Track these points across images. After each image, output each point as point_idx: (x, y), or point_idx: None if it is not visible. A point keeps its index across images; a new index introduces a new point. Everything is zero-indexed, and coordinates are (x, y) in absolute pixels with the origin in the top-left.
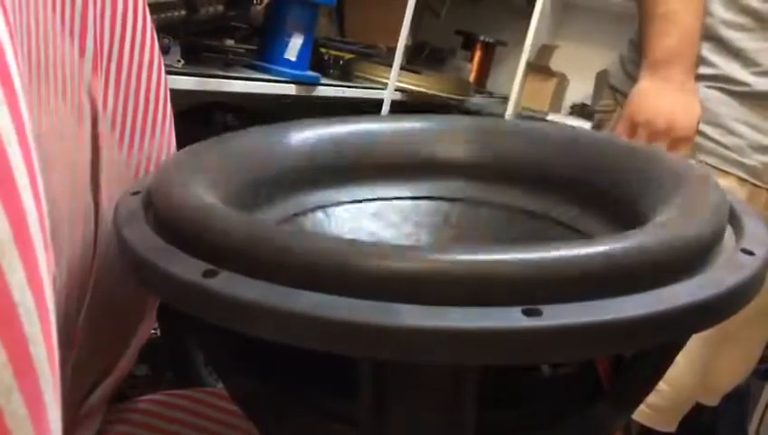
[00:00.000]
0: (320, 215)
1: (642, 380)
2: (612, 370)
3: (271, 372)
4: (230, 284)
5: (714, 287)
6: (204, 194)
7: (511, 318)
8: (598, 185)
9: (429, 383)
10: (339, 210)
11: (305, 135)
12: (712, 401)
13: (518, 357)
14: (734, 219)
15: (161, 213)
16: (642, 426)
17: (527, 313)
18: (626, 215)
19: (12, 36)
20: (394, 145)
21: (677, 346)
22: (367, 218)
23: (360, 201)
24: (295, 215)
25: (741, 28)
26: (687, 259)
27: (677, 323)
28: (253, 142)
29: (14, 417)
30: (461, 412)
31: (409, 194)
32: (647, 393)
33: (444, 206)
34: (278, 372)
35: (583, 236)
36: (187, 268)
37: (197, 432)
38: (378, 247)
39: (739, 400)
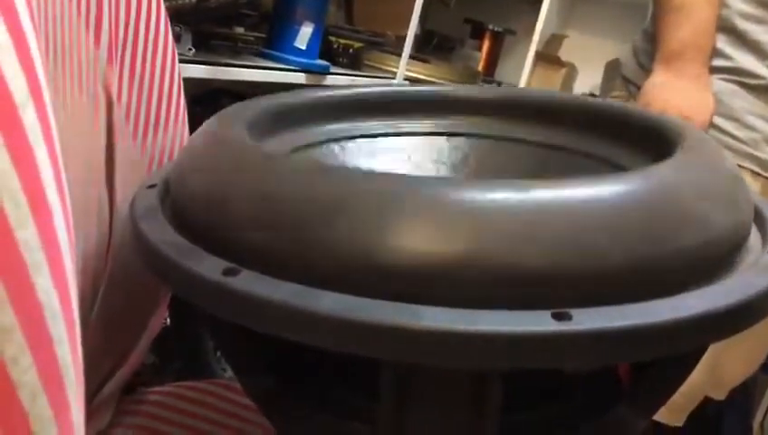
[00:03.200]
0: (334, 147)
1: (665, 384)
2: (633, 370)
3: (288, 369)
4: (251, 283)
5: (745, 291)
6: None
7: (540, 322)
8: (624, 119)
9: (452, 385)
10: (354, 144)
11: (324, 89)
12: (720, 394)
13: (546, 362)
14: (759, 219)
15: (179, 208)
16: (651, 420)
17: (557, 317)
18: (654, 144)
19: (37, 32)
20: (414, 88)
21: (703, 349)
22: (383, 154)
23: (377, 135)
24: (308, 146)
25: (758, 20)
26: (715, 262)
27: (709, 327)
28: (267, 99)
29: (40, 420)
30: (483, 415)
31: (428, 130)
32: (668, 397)
33: (464, 142)
34: (295, 369)
35: (614, 167)
36: (207, 266)
37: (209, 424)
38: (401, 250)
39: (745, 393)
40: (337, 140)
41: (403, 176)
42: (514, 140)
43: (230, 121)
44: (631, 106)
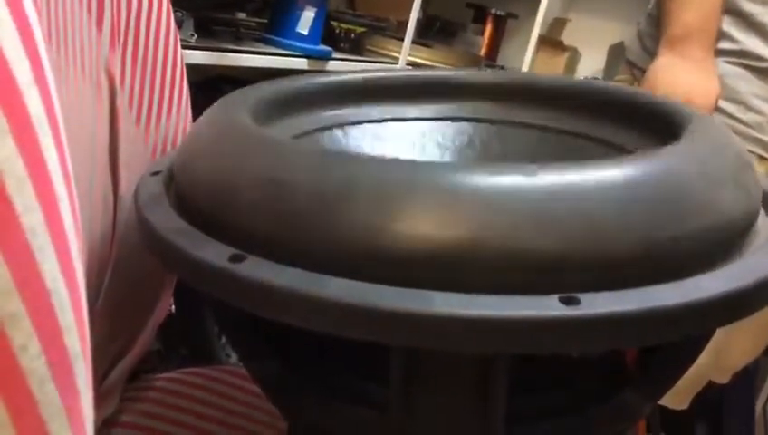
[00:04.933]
0: (337, 133)
1: (672, 368)
2: (639, 355)
3: (296, 355)
4: (258, 269)
5: (752, 275)
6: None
7: (548, 307)
8: (630, 103)
9: (460, 370)
10: (357, 129)
11: (326, 75)
12: (723, 378)
13: (555, 346)
14: (766, 202)
15: (184, 195)
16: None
17: (565, 301)
18: (661, 128)
19: (40, 18)
20: (418, 73)
21: (710, 333)
22: (386, 139)
23: (380, 120)
24: (312, 131)
25: (763, 2)
26: (723, 245)
27: (718, 311)
28: (269, 84)
29: (49, 407)
30: (491, 398)
31: (431, 114)
32: (675, 381)
33: (468, 126)
34: (302, 355)
35: (620, 150)
36: (213, 253)
37: (215, 410)
38: (408, 235)
39: (748, 376)
40: (341, 125)
41: (409, 161)
42: (519, 124)
43: (233, 107)
44: (637, 89)
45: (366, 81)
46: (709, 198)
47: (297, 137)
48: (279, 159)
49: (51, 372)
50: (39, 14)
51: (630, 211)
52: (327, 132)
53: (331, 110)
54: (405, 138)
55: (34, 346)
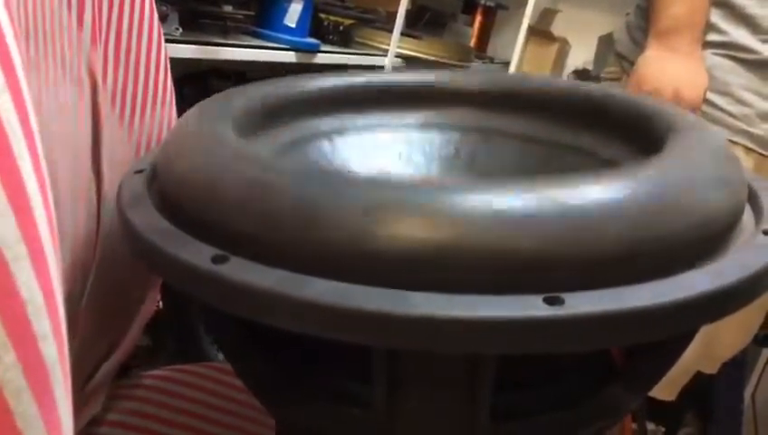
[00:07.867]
0: (324, 143)
1: (659, 363)
2: (626, 349)
3: (282, 355)
4: (240, 270)
5: (738, 272)
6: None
7: (532, 307)
8: (614, 113)
9: (445, 370)
10: (344, 139)
11: (313, 79)
12: (711, 368)
13: (539, 347)
14: (752, 198)
15: (167, 195)
16: None
17: (549, 301)
18: (644, 139)
19: (10, 15)
20: (403, 78)
21: (696, 329)
22: (373, 149)
23: (367, 129)
24: (298, 142)
25: None
26: (708, 242)
27: (703, 309)
28: (255, 90)
29: (25, 417)
30: (476, 397)
31: (419, 123)
32: (663, 375)
33: (455, 136)
34: (289, 355)
35: (604, 163)
36: (196, 254)
37: (203, 408)
38: (393, 235)
39: (736, 365)
40: (327, 135)
41: (396, 180)
42: (504, 132)
43: (216, 119)
44: (620, 92)
45: (351, 88)
46: (693, 201)
47: (282, 148)
48: (263, 181)
49: (27, 381)
50: (11, 16)
51: (615, 213)
52: (312, 144)
53: (315, 119)
54: (391, 148)
55: (9, 356)
